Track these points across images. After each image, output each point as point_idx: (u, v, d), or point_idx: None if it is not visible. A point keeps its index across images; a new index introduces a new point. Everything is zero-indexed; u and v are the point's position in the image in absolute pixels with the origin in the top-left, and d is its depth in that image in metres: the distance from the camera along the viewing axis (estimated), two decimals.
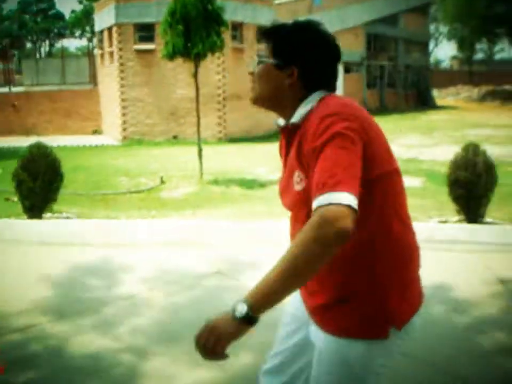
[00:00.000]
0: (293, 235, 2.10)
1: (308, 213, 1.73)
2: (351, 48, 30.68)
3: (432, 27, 49.16)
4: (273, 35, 2.04)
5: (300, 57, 1.98)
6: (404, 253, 1.97)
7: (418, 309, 2.01)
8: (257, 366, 3.71)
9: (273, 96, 2.04)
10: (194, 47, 9.36)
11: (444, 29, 59.16)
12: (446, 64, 74.85)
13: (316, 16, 27.75)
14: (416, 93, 37.75)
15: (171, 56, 9.69)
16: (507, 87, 44.66)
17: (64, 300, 4.84)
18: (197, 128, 10.86)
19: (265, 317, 1.75)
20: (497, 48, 65.49)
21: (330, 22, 28.68)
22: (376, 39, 34.56)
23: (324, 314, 1.98)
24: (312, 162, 1.78)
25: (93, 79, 22.96)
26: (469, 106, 38.41)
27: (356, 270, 1.91)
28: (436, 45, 60.81)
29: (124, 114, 17.77)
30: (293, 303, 2.26)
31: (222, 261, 5.90)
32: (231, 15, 10.75)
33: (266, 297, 1.72)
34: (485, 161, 6.18)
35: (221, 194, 9.70)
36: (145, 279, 5.28)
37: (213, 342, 1.75)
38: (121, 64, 17.88)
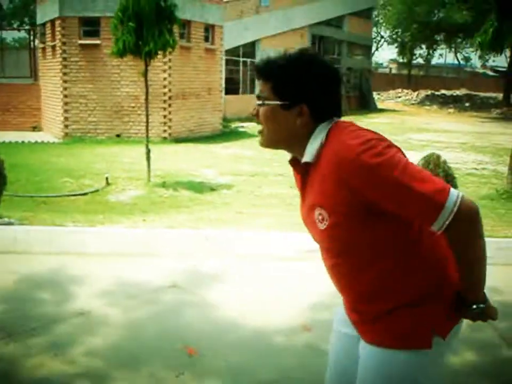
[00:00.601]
0: (329, 267, 2.17)
1: (340, 247, 1.96)
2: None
3: (373, 31, 49.73)
4: (271, 73, 1.95)
5: (306, 93, 1.92)
6: (442, 262, 1.97)
7: (459, 318, 2.01)
8: None
9: (285, 138, 1.98)
10: (146, 45, 9.06)
11: (384, 33, 60.21)
12: (384, 67, 76.08)
13: (262, 16, 27.68)
14: (359, 96, 38.17)
15: (121, 54, 9.35)
16: (444, 91, 45.75)
17: (9, 316, 4.51)
18: (146, 127, 10.53)
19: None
20: (436, 53, 66.98)
21: (277, 23, 28.67)
22: (321, 40, 34.74)
23: (367, 326, 2.01)
24: (374, 198, 1.79)
25: (34, 73, 22.19)
26: (409, 109, 39.13)
27: (398, 285, 1.94)
28: (377, 48, 61.65)
29: (66, 111, 17.20)
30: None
31: (178, 273, 5.67)
32: (178, 12, 10.45)
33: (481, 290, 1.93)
34: (445, 172, 6.15)
35: (170, 198, 9.44)
36: (99, 293, 5.00)
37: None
38: (64, 59, 17.30)
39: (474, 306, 1.93)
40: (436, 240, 1.93)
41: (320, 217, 1.93)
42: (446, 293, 1.97)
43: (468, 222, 1.76)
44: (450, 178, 6.25)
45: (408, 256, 1.92)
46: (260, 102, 1.98)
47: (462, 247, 1.81)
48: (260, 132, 2.03)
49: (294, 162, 2.06)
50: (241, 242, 6.55)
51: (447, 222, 1.74)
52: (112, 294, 5.01)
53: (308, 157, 1.93)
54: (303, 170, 1.99)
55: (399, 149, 1.84)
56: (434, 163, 6.26)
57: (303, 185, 2.03)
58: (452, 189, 1.75)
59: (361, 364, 2.01)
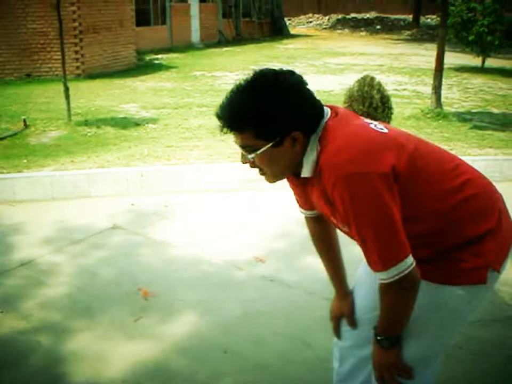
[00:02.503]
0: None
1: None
2: None
3: None
4: (245, 123, 1.80)
5: (290, 122, 1.81)
6: (479, 206, 1.94)
7: (510, 244, 1.99)
8: (193, 334, 3.45)
9: (291, 166, 1.92)
10: None
11: None
12: None
13: None
14: (271, 22, 37.68)
15: None
16: (354, 15, 45.83)
17: None
18: (62, 64, 9.93)
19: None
20: None
21: None
22: None
23: (424, 266, 1.89)
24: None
25: None
26: (321, 34, 39.01)
27: (441, 238, 1.90)
28: None
29: None
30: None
31: (118, 213, 5.47)
32: None
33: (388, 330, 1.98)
34: (381, 93, 6.12)
35: (94, 136, 9.03)
36: (41, 241, 4.75)
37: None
38: None
39: (379, 338, 1.98)
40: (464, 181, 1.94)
41: (330, 212, 1.94)
42: (498, 226, 1.94)
43: (404, 291, 1.82)
44: (385, 100, 6.24)
45: (457, 204, 1.90)
46: (253, 154, 1.86)
47: (388, 304, 1.89)
48: (262, 174, 1.96)
49: (292, 175, 2.02)
50: (178, 177, 6.38)
51: (387, 281, 1.80)
52: (54, 240, 4.77)
53: (306, 172, 1.88)
54: (302, 184, 1.99)
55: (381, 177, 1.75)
56: (369, 85, 6.22)
57: (305, 189, 2.02)
58: (409, 257, 1.78)
59: None
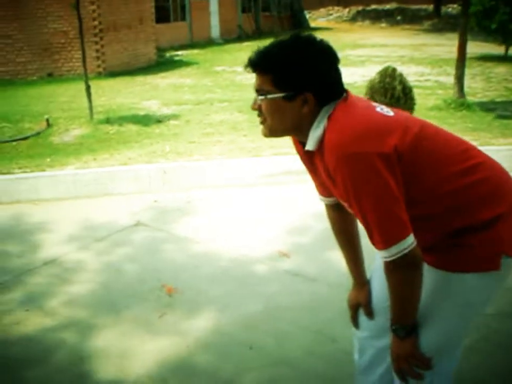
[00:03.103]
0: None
1: None
2: None
3: None
4: (269, 65, 1.87)
5: (309, 80, 1.86)
6: (489, 190, 1.92)
7: None
8: (217, 330, 3.45)
9: (291, 127, 1.94)
10: None
11: None
12: None
13: None
14: (290, 15, 37.56)
15: None
16: (375, 6, 45.51)
17: None
18: (83, 62, 9.98)
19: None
20: None
21: None
22: None
23: (434, 254, 1.95)
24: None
25: None
26: (342, 26, 38.80)
27: (450, 223, 1.91)
28: None
29: None
30: None
31: (142, 210, 5.50)
32: None
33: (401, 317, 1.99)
34: (402, 84, 6.06)
35: (117, 134, 9.08)
36: (65, 239, 4.78)
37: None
38: None
39: (394, 327, 1.98)
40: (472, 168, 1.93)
41: (339, 197, 1.98)
42: (504, 211, 1.91)
43: (407, 270, 1.84)
44: (407, 91, 6.18)
45: (464, 187, 1.89)
46: (262, 97, 1.90)
47: (394, 284, 1.90)
48: (262, 123, 1.96)
49: (300, 144, 2.03)
50: (201, 173, 6.39)
51: (389, 259, 1.82)
52: (78, 238, 4.81)
53: (310, 145, 1.90)
54: (308, 156, 1.98)
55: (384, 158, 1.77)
56: (390, 76, 6.16)
57: (313, 166, 2.03)
58: (410, 236, 1.80)
59: (424, 287, 1.94)
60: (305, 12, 41.49)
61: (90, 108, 10.12)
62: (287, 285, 4.01)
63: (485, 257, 1.89)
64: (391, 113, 1.92)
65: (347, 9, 45.66)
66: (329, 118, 1.85)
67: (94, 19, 16.17)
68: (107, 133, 9.12)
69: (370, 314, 2.27)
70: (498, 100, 10.71)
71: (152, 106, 11.40)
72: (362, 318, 2.31)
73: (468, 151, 1.97)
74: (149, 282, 4.02)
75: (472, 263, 1.90)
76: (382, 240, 1.81)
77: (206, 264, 4.34)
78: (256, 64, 1.89)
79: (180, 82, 14.51)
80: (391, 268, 1.85)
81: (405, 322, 1.96)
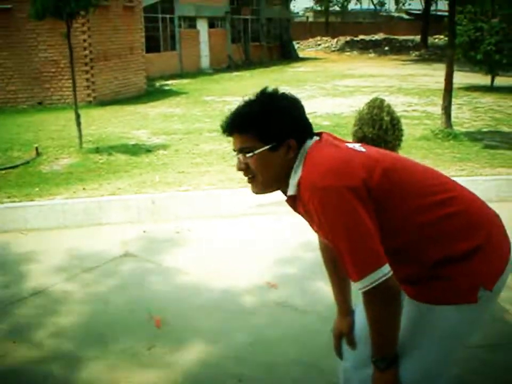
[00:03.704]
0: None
1: None
2: (215, 2, 30.08)
3: None
4: (250, 125, 1.99)
5: (288, 128, 1.99)
6: (465, 222, 1.96)
7: (506, 264, 1.99)
8: (206, 362, 3.43)
9: (280, 177, 2.02)
10: (67, 5, 8.52)
11: None
12: (301, 16, 75.74)
13: None
14: (279, 46, 37.95)
15: (40, 17, 8.78)
16: (362, 36, 46.09)
17: None
18: (73, 92, 10.01)
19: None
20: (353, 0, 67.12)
21: None
22: None
23: (413, 287, 1.99)
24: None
25: None
26: (330, 56, 39.22)
27: (427, 254, 1.93)
28: None
29: None
30: None
31: (130, 240, 5.48)
32: None
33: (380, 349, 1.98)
34: (390, 115, 6.11)
35: (106, 163, 9.09)
36: (53, 269, 4.76)
37: None
38: None
39: (374, 359, 1.99)
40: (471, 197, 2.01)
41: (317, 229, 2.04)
42: (488, 246, 1.95)
43: (383, 301, 1.86)
44: (395, 122, 6.23)
45: (438, 219, 1.93)
46: (250, 154, 2.00)
47: (371, 315, 1.91)
48: (251, 181, 2.06)
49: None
50: (190, 203, 6.39)
51: (364, 290, 1.85)
52: (67, 269, 4.78)
53: (291, 190, 1.99)
54: (292, 203, 2.05)
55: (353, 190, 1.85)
56: (378, 107, 6.21)
57: (298, 212, 2.09)
58: (384, 267, 1.82)
59: (404, 319, 1.97)
60: (294, 42, 41.92)
61: (80, 137, 10.14)
62: (276, 316, 4.00)
63: (463, 289, 1.92)
64: (363, 149, 2.02)
65: (335, 39, 46.22)
66: (304, 160, 1.96)
67: (84, 48, 16.26)
68: (96, 162, 9.12)
69: (352, 344, 2.28)
70: (485, 129, 10.82)
71: (142, 135, 11.42)
72: (346, 347, 2.32)
73: (444, 184, 2.03)
74: (137, 314, 4.00)
75: (450, 295, 1.92)
76: (355, 271, 1.84)
77: (195, 296, 4.32)
78: (236, 126, 2.02)
79: (169, 112, 14.57)
80: (367, 298, 1.87)
81: (385, 354, 1.96)
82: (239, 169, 2.05)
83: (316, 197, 1.85)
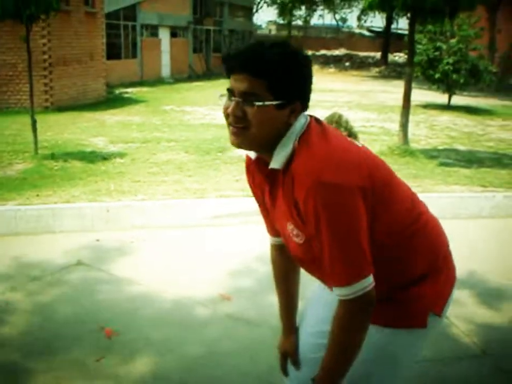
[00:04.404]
0: (305, 268, 2.02)
1: (314, 259, 1.81)
2: (178, 12, 30.06)
3: None
4: (266, 70, 1.69)
5: (302, 90, 1.77)
6: (426, 242, 1.93)
7: (453, 287, 1.99)
8: (156, 374, 3.37)
9: (272, 139, 1.77)
10: (27, 8, 8.37)
11: None
12: (263, 28, 76.24)
13: None
14: None
15: None
16: (324, 51, 46.54)
17: None
18: (30, 96, 9.84)
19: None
20: (316, 14, 68.12)
21: None
22: (202, 3, 34.07)
23: None
24: (311, 229, 1.73)
25: None
26: None
27: (387, 274, 1.86)
28: (257, 10, 61.39)
29: None
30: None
31: (82, 249, 5.38)
32: None
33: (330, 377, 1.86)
34: (348, 131, 6.14)
35: (61, 170, 8.93)
36: (0, 276, 4.62)
37: None
38: None
39: (312, 379, 1.89)
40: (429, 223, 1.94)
41: (294, 232, 1.82)
42: (434, 269, 1.93)
43: (361, 313, 1.76)
44: (353, 137, 6.25)
45: (395, 245, 1.86)
46: (259, 103, 1.71)
47: (342, 328, 1.78)
48: (237, 130, 1.76)
49: (258, 161, 1.89)
50: (144, 213, 6.31)
51: (349, 297, 1.73)
52: (12, 278, 4.65)
53: (276, 163, 1.77)
54: (269, 175, 1.83)
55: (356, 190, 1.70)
56: (337, 122, 6.22)
57: (271, 188, 1.87)
58: (371, 276, 1.73)
59: None
60: None
61: (36, 142, 9.95)
62: (228, 329, 3.96)
63: (414, 313, 1.89)
64: (359, 144, 1.89)
65: None
66: (301, 138, 1.76)
67: (44, 52, 16.04)
68: (51, 169, 8.96)
69: (296, 364, 2.18)
70: (440, 147, 11.00)
71: (99, 143, 11.28)
72: (291, 367, 2.24)
73: (415, 201, 1.97)
74: (87, 325, 3.91)
75: (401, 319, 1.89)
76: (345, 275, 1.71)
77: (147, 306, 4.25)
78: (252, 66, 1.70)
79: (128, 120, 14.44)
80: (347, 307, 1.74)
81: (331, 379, 1.85)
82: (234, 114, 1.73)
83: (318, 190, 1.64)
